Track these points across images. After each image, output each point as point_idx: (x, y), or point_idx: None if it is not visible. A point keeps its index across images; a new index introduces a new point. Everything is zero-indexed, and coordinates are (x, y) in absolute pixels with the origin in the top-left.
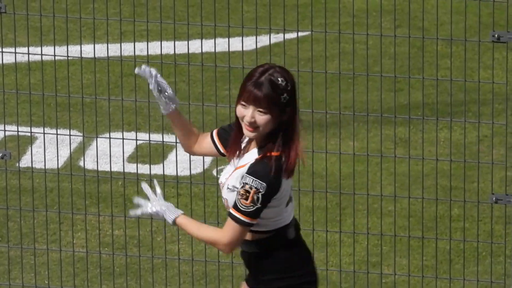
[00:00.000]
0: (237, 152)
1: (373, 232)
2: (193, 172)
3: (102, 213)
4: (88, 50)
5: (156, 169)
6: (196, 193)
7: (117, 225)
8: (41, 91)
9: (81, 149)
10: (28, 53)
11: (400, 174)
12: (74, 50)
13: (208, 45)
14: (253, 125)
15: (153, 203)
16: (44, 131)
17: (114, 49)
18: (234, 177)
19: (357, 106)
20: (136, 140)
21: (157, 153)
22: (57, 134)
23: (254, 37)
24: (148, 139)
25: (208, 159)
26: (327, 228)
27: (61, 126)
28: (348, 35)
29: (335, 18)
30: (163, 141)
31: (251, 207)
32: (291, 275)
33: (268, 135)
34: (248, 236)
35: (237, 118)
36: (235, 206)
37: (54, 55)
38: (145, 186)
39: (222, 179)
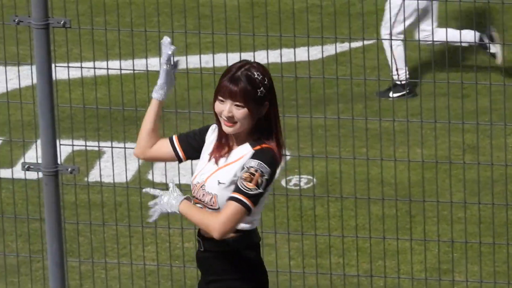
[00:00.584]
0: (224, 150)
1: (444, 239)
2: None
3: (172, 226)
4: (153, 63)
5: None
6: (265, 204)
7: (187, 237)
8: (108, 105)
9: (150, 163)
10: (94, 68)
11: (469, 180)
12: (139, 64)
13: (273, 56)
14: (231, 120)
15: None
16: (112, 145)
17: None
18: (225, 173)
19: (424, 113)
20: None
21: None
22: (125, 147)
23: (320, 47)
24: None
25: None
26: (398, 236)
27: (128, 139)
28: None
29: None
30: None
31: (254, 190)
32: (255, 277)
33: (254, 131)
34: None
35: (216, 116)
36: (238, 190)
37: (120, 69)
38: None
39: (199, 179)
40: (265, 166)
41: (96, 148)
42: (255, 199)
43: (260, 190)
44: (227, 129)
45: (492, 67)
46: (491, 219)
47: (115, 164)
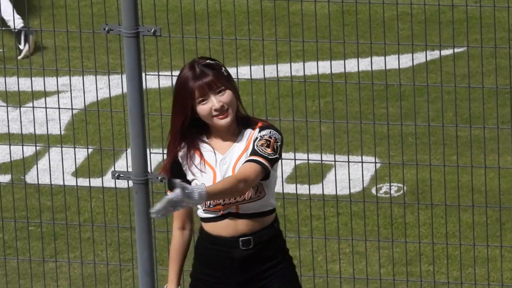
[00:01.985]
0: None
1: None
2: (352, 191)
3: None
4: (244, 71)
5: (315, 189)
6: (355, 212)
7: None
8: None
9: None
10: None
11: None
12: (230, 73)
13: (364, 64)
14: (223, 109)
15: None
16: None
17: (270, 70)
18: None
19: None
20: (295, 160)
21: (315, 172)
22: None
23: (410, 55)
24: (306, 158)
25: (367, 177)
26: (488, 243)
27: None
28: (504, 50)
29: (490, 33)
30: (322, 160)
31: (273, 154)
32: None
33: (239, 117)
34: (262, 222)
35: (181, 130)
36: (258, 154)
37: None
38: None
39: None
40: (276, 133)
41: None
42: (273, 163)
43: (277, 155)
44: (222, 122)
45: None
46: None
47: None
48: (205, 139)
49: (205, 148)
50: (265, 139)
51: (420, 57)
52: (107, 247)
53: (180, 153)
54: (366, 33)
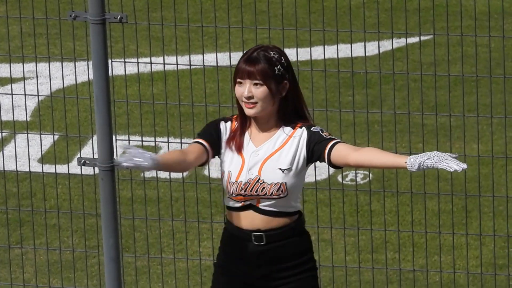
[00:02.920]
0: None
1: (500, 234)
2: (318, 178)
3: None
4: (210, 59)
5: None
6: (321, 199)
7: None
8: (164, 101)
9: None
10: (151, 63)
11: None
12: (196, 60)
13: (330, 51)
14: (252, 100)
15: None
16: (168, 140)
17: (236, 58)
18: (282, 159)
19: (480, 109)
20: None
21: None
22: (181, 143)
23: (376, 42)
24: None
25: None
26: (454, 231)
27: (185, 135)
28: (470, 38)
29: (457, 21)
30: None
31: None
32: (313, 255)
33: (282, 113)
34: (280, 222)
35: (238, 105)
36: (331, 139)
37: (177, 65)
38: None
39: (247, 175)
40: (324, 130)
41: (153, 144)
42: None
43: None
44: (249, 111)
45: None
46: None
47: None
48: (247, 125)
49: (245, 134)
50: (320, 130)
51: (386, 45)
52: (73, 234)
53: (226, 125)
54: (333, 20)
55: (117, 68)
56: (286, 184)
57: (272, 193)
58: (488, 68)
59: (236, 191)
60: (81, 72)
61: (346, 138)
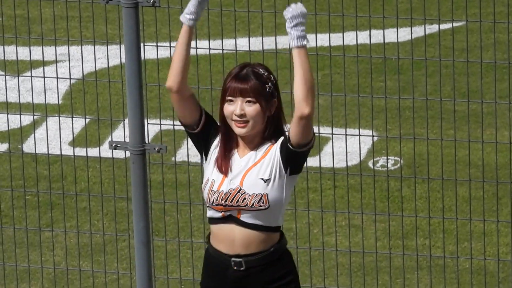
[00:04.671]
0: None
1: None
2: (349, 164)
3: None
4: (242, 43)
5: (312, 162)
6: (352, 185)
7: None
8: (196, 85)
9: None
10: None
11: None
12: (228, 44)
13: (362, 37)
14: (243, 119)
15: None
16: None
17: (268, 42)
18: (263, 169)
19: None
20: None
21: None
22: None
23: (409, 28)
24: None
25: (364, 151)
26: (484, 218)
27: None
28: (503, 24)
29: (489, 7)
30: (319, 133)
31: None
32: (296, 273)
33: (266, 131)
34: (261, 242)
35: (224, 125)
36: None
37: (209, 49)
38: None
39: (228, 186)
40: None
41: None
42: None
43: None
44: (240, 130)
45: None
46: None
47: None
48: (233, 145)
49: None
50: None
51: (418, 31)
52: (103, 217)
53: (220, 130)
54: (365, 6)
55: (149, 52)
56: (267, 195)
57: (253, 204)
58: None
59: (216, 200)
60: (113, 55)
61: (377, 124)
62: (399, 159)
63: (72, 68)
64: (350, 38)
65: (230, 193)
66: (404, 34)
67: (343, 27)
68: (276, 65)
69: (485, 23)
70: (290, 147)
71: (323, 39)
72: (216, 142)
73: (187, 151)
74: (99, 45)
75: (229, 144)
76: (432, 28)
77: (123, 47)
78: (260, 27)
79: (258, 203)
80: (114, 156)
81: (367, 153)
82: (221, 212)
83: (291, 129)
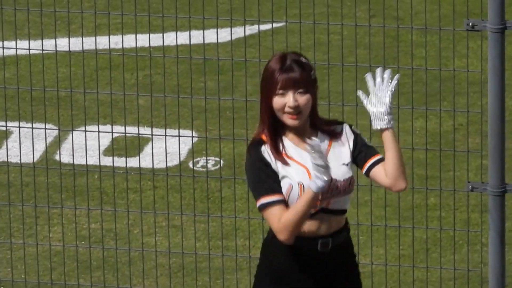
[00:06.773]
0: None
1: (351, 222)
2: (169, 164)
3: (79, 206)
4: (63, 43)
5: (132, 162)
6: (172, 185)
7: (94, 218)
8: (16, 85)
9: (57, 143)
10: (3, 47)
11: None
12: (48, 44)
13: (183, 38)
14: (297, 110)
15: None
16: (19, 125)
17: (89, 43)
18: (341, 154)
19: (332, 96)
20: (112, 133)
21: (133, 146)
22: (32, 128)
23: (229, 29)
24: (124, 132)
25: (184, 151)
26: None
27: (36, 120)
28: (323, 25)
29: (309, 8)
30: (138, 134)
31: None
32: None
33: (312, 118)
34: (340, 223)
35: (269, 120)
36: (368, 145)
37: (29, 49)
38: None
39: (322, 179)
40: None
41: (3, 128)
42: None
43: None
44: (293, 122)
45: (401, 51)
46: (397, 202)
47: (22, 144)
48: (281, 136)
49: (288, 144)
50: (362, 137)
51: (239, 32)
52: None
53: (265, 148)
54: (186, 6)
55: None
56: (353, 177)
57: (345, 189)
58: (340, 55)
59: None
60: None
61: (198, 124)
62: (219, 159)
63: None
64: (170, 38)
65: (333, 184)
66: (225, 35)
67: (163, 27)
68: (96, 65)
69: (305, 24)
70: (362, 168)
71: (143, 40)
72: (273, 161)
73: (7, 152)
74: None
75: (278, 136)
76: (253, 29)
77: None
78: (81, 27)
79: (349, 186)
80: None
81: (188, 153)
82: (317, 206)
83: (375, 173)
